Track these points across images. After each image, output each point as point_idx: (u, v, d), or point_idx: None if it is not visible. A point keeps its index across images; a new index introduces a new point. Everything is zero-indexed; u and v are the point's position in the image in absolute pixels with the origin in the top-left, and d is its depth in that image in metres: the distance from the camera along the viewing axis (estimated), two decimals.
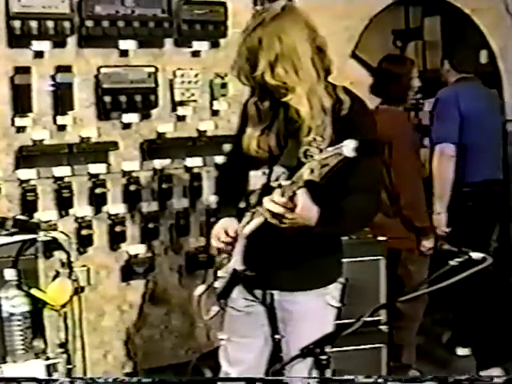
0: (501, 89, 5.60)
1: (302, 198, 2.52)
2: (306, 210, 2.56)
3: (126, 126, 4.31)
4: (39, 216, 4.04)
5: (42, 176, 4.09)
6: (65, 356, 3.64)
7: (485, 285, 4.56)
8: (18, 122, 4.01)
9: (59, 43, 4.07)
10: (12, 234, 3.64)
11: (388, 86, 4.43)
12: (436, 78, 5.00)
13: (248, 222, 2.75)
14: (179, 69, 4.40)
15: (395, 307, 4.29)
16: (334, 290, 2.90)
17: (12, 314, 3.39)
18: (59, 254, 3.83)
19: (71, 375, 3.62)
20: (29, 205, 4.03)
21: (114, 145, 4.27)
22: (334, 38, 3.89)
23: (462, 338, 5.05)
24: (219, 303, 2.87)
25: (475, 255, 2.16)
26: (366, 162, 2.46)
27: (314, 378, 2.24)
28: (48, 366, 3.49)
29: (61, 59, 4.10)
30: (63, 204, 4.14)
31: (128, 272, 4.39)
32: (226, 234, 2.84)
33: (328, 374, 2.22)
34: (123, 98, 4.20)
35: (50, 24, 3.96)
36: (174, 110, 4.43)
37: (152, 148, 4.36)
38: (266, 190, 2.71)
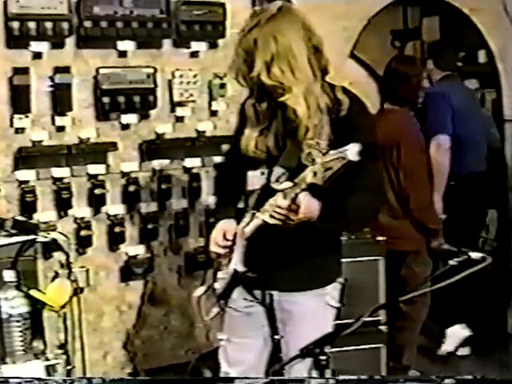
0: (500, 89, 5.60)
1: (305, 200, 2.53)
2: (309, 208, 2.57)
3: (125, 126, 4.30)
4: (38, 217, 4.03)
5: (41, 177, 4.08)
6: (64, 357, 3.64)
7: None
8: (17, 122, 4.01)
9: (58, 44, 4.07)
10: (11, 235, 3.64)
11: (397, 86, 4.39)
12: None
13: (248, 223, 2.75)
14: (178, 69, 4.40)
15: (399, 308, 4.30)
16: (333, 290, 2.90)
17: (11, 315, 3.39)
18: (58, 255, 3.83)
19: (71, 376, 3.62)
20: (28, 206, 4.03)
21: (113, 145, 4.26)
22: (333, 39, 3.90)
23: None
24: (219, 304, 2.88)
25: (474, 255, 2.16)
26: (367, 163, 2.47)
27: (314, 378, 2.24)
28: (47, 367, 3.49)
29: (59, 60, 4.10)
30: (62, 205, 4.13)
31: (127, 273, 4.38)
32: (225, 237, 2.84)
33: (327, 374, 2.22)
34: (122, 99, 4.20)
35: (49, 25, 3.96)
36: (172, 110, 4.43)
37: (151, 148, 4.36)
38: (266, 190, 2.72)
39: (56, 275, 3.76)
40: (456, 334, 5.03)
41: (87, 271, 4.16)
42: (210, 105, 4.53)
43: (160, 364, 4.49)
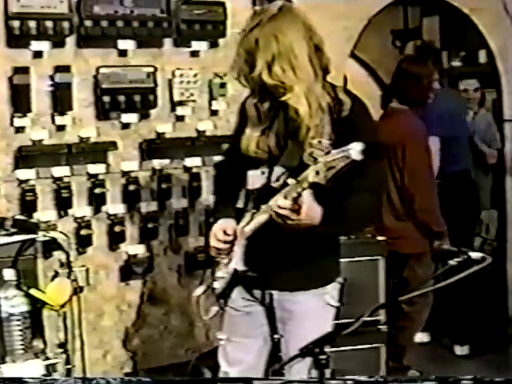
0: (500, 89, 5.60)
1: (307, 200, 2.52)
2: (311, 211, 2.56)
3: (125, 125, 4.30)
4: (38, 216, 4.03)
5: (41, 176, 4.08)
6: (64, 356, 3.65)
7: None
8: (17, 122, 4.01)
9: (58, 43, 4.07)
10: (11, 234, 3.64)
11: (407, 86, 4.36)
12: None
13: (248, 223, 2.76)
14: (178, 69, 4.40)
15: (400, 308, 4.30)
16: (332, 290, 2.90)
17: (11, 314, 3.39)
18: (58, 254, 3.83)
19: (70, 375, 3.62)
20: (28, 205, 4.03)
21: (113, 145, 4.26)
22: (333, 38, 3.90)
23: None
24: (219, 303, 2.88)
25: (474, 255, 2.16)
26: (369, 163, 2.47)
27: (314, 377, 2.24)
28: (47, 366, 3.49)
29: (60, 59, 4.10)
30: (62, 204, 4.13)
31: (127, 272, 4.38)
32: (225, 233, 2.84)
33: (327, 373, 2.22)
34: (122, 98, 4.20)
35: (49, 24, 3.96)
36: (173, 109, 4.43)
37: (151, 148, 4.36)
38: (266, 190, 2.72)
39: (56, 274, 3.77)
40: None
41: (87, 270, 4.16)
42: (210, 104, 4.53)
43: (160, 363, 4.49)
